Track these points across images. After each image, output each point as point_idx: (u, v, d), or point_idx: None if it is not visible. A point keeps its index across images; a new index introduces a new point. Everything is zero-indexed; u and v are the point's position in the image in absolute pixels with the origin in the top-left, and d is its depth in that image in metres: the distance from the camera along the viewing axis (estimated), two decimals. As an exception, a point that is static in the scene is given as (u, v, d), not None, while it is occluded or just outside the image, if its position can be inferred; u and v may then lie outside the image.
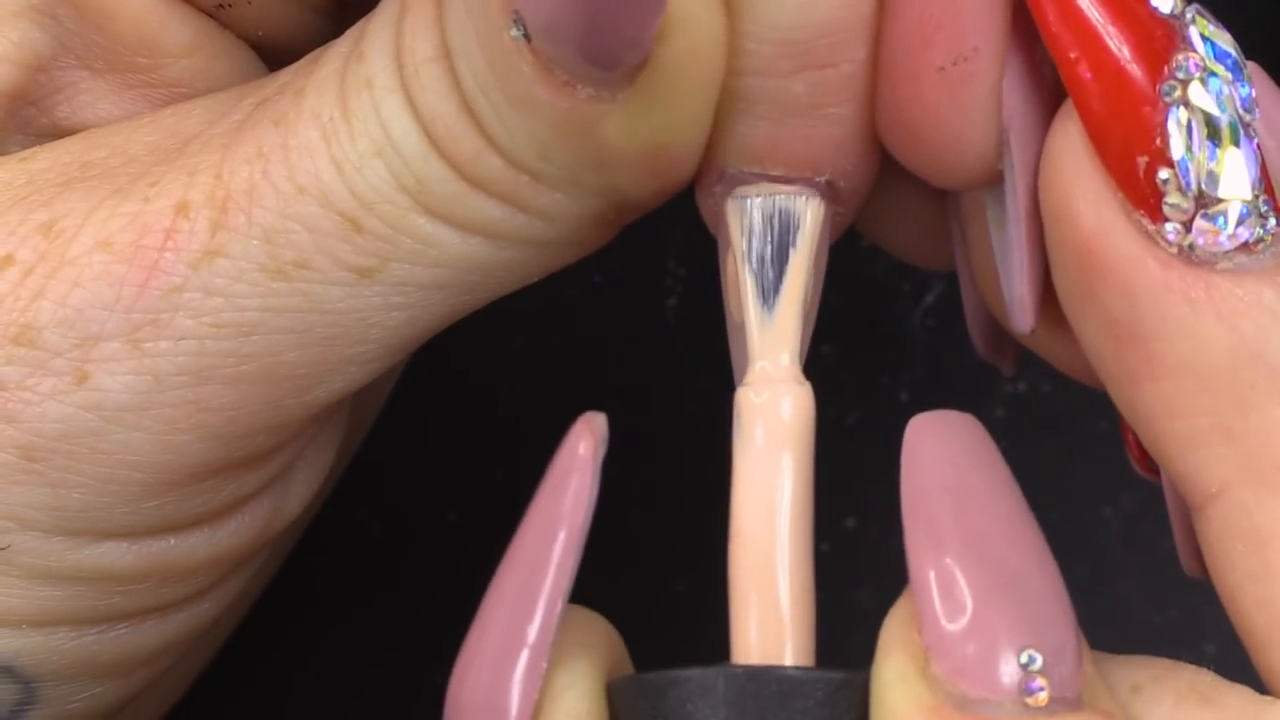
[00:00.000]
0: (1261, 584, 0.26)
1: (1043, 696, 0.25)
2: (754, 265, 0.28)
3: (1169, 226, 0.26)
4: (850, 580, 0.41)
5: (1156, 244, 0.26)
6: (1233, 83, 0.26)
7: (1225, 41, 0.26)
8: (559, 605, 0.27)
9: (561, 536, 0.27)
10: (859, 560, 0.42)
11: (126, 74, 0.31)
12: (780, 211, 0.28)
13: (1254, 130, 0.26)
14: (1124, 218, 0.26)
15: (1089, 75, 0.26)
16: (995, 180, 0.29)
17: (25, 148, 0.31)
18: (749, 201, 0.28)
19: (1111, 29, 0.26)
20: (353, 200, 0.28)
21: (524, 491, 0.43)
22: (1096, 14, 0.26)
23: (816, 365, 0.29)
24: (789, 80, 0.27)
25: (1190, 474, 0.27)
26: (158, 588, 0.31)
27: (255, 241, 0.28)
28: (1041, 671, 0.25)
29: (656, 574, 0.41)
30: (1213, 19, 0.26)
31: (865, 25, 0.27)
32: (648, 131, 0.27)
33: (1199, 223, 0.26)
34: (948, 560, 0.26)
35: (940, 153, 0.28)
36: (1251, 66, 0.30)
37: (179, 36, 0.30)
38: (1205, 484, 0.26)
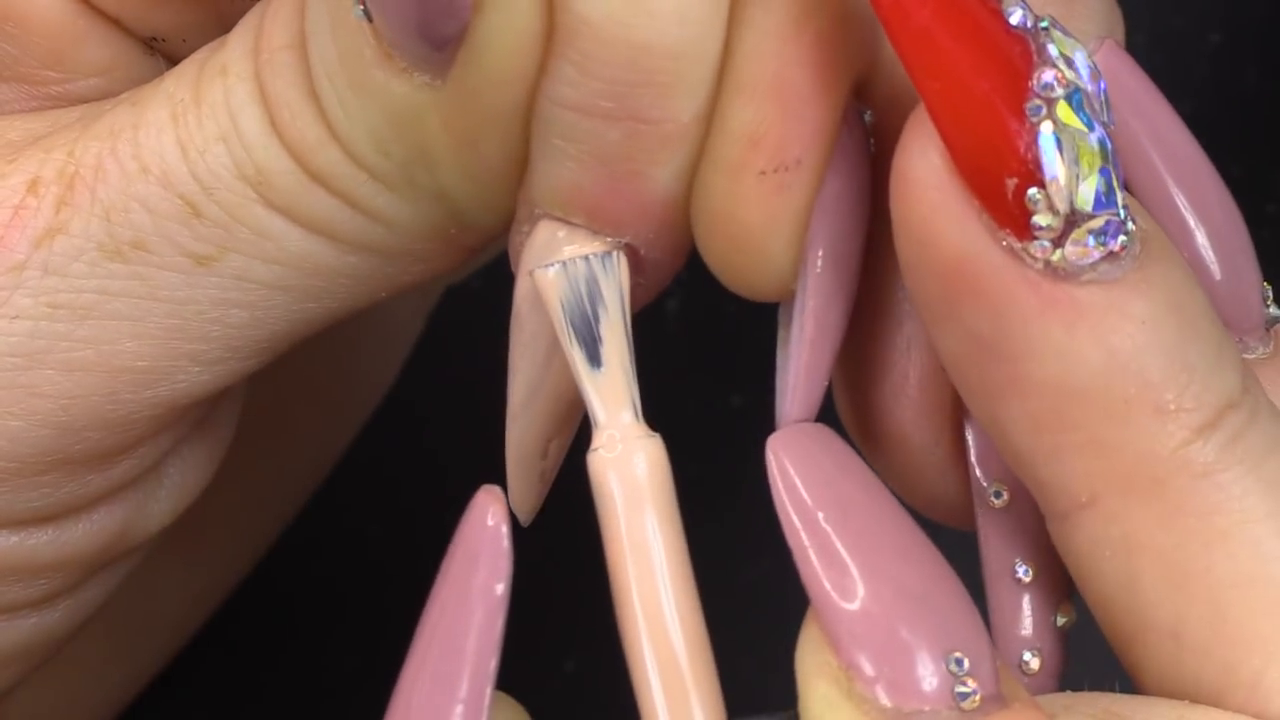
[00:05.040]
0: (1129, 591, 0.26)
1: (976, 698, 0.25)
2: (575, 334, 0.27)
3: (1036, 245, 0.25)
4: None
5: (1024, 263, 0.25)
6: (1094, 94, 0.26)
7: (1076, 46, 0.26)
8: (487, 691, 0.26)
9: (482, 617, 0.26)
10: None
11: (33, 85, 0.30)
12: (585, 277, 0.27)
13: (1113, 136, 0.26)
14: (990, 239, 0.25)
15: (951, 100, 0.25)
16: (788, 297, 0.28)
17: None
18: (552, 270, 0.27)
19: (970, 52, 0.25)
20: (194, 184, 0.28)
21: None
22: (952, 38, 0.25)
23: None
24: (605, 124, 0.26)
25: (1056, 484, 0.26)
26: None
27: (96, 220, 0.28)
28: (969, 673, 0.25)
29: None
30: (1061, 26, 0.26)
31: (697, 87, 0.26)
32: (462, 124, 0.27)
33: (1069, 239, 0.25)
34: (849, 578, 0.26)
35: (740, 256, 0.27)
36: (1107, 43, 0.29)
37: (95, 55, 0.30)
38: (1073, 494, 0.26)
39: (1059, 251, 0.25)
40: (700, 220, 0.27)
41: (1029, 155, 0.25)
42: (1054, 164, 0.25)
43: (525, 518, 0.31)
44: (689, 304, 0.44)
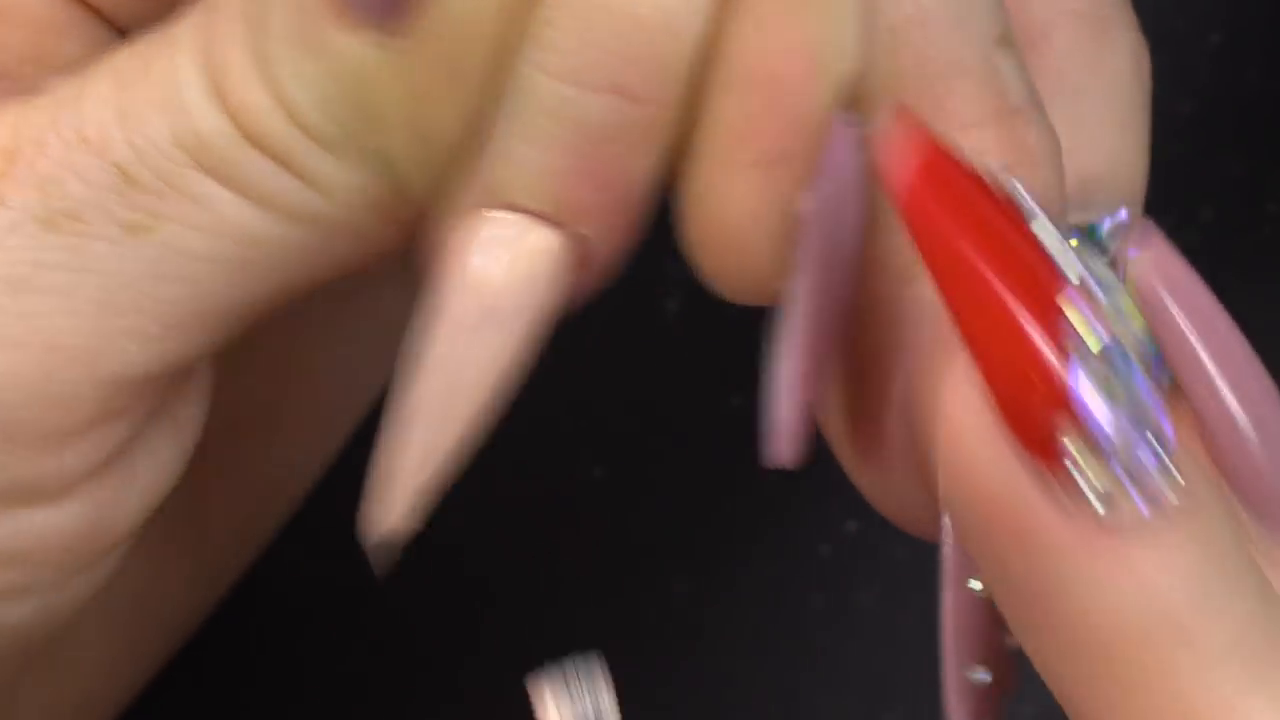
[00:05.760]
0: None
1: None
2: None
3: (1077, 490, 0.25)
4: (851, 584, 0.41)
5: (1063, 507, 0.25)
6: (1140, 340, 0.25)
7: (1123, 293, 0.25)
8: None
9: None
10: (859, 564, 0.42)
11: (10, 80, 0.30)
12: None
13: (1158, 375, 0.25)
14: (1030, 482, 0.25)
15: (995, 348, 0.25)
16: (774, 298, 0.28)
17: None
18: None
19: (1008, 291, 0.25)
20: (129, 150, 0.28)
21: (522, 493, 0.43)
22: (992, 275, 0.25)
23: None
24: (591, 96, 0.26)
25: (1085, 709, 0.26)
26: None
27: (33, 191, 0.28)
28: None
29: (655, 579, 0.41)
30: (1091, 245, 0.26)
31: (686, 67, 0.26)
32: (416, 87, 0.26)
33: (1111, 485, 0.25)
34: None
35: (725, 250, 0.27)
36: (1154, 245, 0.28)
37: (69, 49, 0.30)
38: None
39: (1100, 498, 0.25)
40: (685, 213, 0.27)
41: (1071, 401, 0.25)
42: (1093, 408, 0.25)
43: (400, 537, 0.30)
44: (689, 304, 0.44)
